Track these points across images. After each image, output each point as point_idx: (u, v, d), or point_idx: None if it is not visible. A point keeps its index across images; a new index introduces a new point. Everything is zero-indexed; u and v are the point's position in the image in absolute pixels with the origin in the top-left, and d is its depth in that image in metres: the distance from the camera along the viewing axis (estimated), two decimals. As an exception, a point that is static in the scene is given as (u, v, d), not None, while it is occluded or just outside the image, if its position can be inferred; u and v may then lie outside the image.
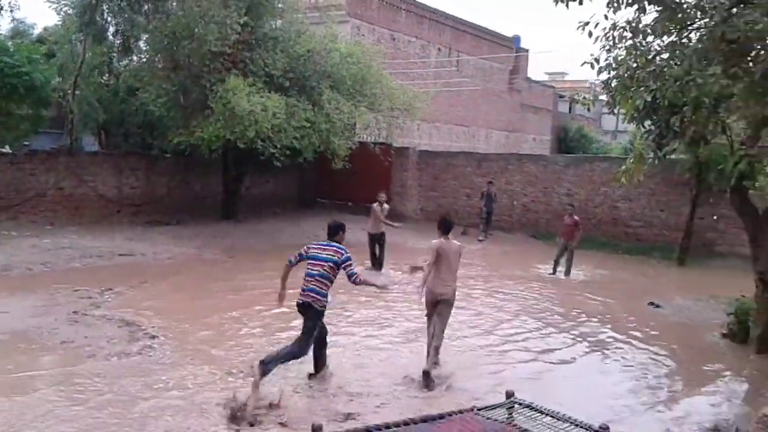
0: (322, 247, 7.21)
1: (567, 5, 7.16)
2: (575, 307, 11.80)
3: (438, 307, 7.64)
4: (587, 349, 9.33)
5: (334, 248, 7.13)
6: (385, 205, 14.25)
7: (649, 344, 9.71)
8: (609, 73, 7.79)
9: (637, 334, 10.24)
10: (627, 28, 7.32)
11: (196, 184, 20.47)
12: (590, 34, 7.21)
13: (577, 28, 7.24)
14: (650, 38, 7.37)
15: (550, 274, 14.74)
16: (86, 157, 18.51)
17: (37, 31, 21.59)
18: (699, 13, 6.92)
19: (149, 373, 7.35)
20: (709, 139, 9.59)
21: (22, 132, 17.90)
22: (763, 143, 8.12)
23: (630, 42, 7.39)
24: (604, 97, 8.51)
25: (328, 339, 7.51)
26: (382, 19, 27.38)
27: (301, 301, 7.04)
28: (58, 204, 17.39)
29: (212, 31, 15.22)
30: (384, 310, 10.91)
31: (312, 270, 7.07)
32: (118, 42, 18.48)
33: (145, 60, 18.66)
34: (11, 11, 17.13)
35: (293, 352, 6.84)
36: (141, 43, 18.51)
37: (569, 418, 3.29)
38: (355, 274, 7.10)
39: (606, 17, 7.26)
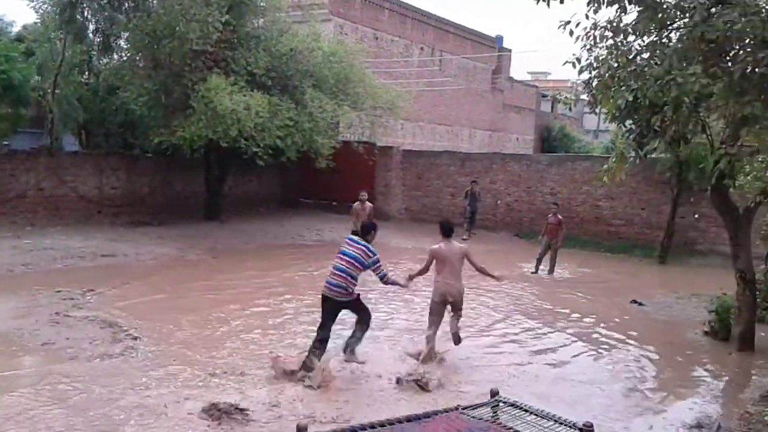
0: (351, 242, 7.49)
1: (548, 4, 7.17)
2: (558, 305, 11.87)
3: (450, 308, 8.19)
4: (570, 347, 9.37)
5: (363, 249, 7.38)
6: (368, 204, 14.24)
7: (631, 342, 9.78)
8: (590, 73, 7.82)
9: (620, 331, 10.31)
10: (608, 28, 7.36)
11: (178, 184, 20.34)
12: (571, 33, 7.24)
13: (558, 27, 7.26)
14: (631, 38, 7.40)
15: (532, 272, 14.81)
16: (67, 157, 18.32)
17: (15, 29, 21.30)
18: (679, 13, 6.97)
19: (131, 374, 7.28)
20: (690, 138, 9.68)
21: (1, 132, 17.65)
22: (743, 142, 8.19)
23: (611, 41, 7.42)
24: (585, 96, 8.54)
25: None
26: (365, 18, 27.38)
27: (325, 294, 7.38)
28: (39, 205, 17.20)
29: (194, 29, 15.12)
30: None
31: (339, 264, 7.38)
32: (99, 40, 18.29)
33: (125, 59, 18.51)
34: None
35: (367, 317, 7.58)
36: (122, 42, 18.35)
37: (554, 416, 3.30)
38: (385, 275, 7.49)
39: (587, 16, 7.30)
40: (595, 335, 10.09)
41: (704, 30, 6.28)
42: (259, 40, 17.58)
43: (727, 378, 8.53)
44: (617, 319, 11.07)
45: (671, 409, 7.19)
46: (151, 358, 7.90)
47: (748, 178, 9.51)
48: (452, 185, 22.28)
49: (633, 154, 8.90)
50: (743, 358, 9.05)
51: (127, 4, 16.87)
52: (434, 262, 8.16)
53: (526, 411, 3.42)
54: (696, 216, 17.43)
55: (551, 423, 3.27)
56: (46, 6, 17.50)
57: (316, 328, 7.58)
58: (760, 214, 10.50)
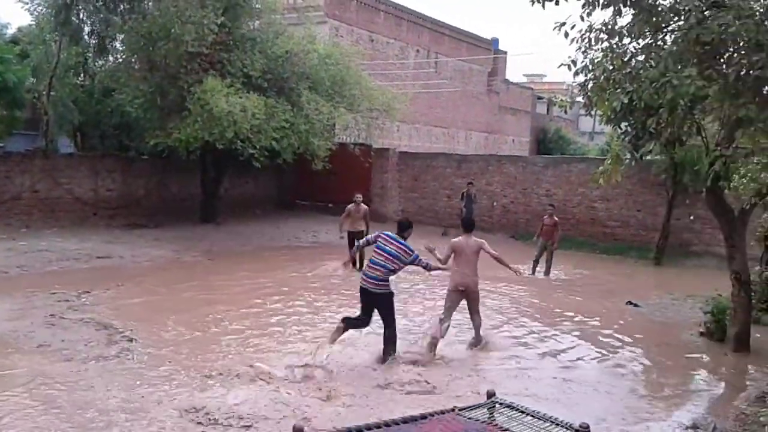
0: (390, 240, 7.92)
1: (543, 5, 7.19)
2: (554, 307, 11.87)
3: (465, 298, 8.71)
4: (565, 349, 9.38)
5: (403, 248, 7.87)
6: (363, 206, 14.21)
7: (627, 343, 9.80)
8: (585, 75, 7.84)
9: (616, 333, 10.33)
10: (603, 30, 7.38)
11: (174, 186, 20.30)
12: (566, 34, 7.26)
13: (554, 29, 7.28)
14: (626, 40, 7.43)
15: (530, 274, 14.83)
16: (62, 159, 18.28)
17: (10, 32, 21.27)
18: (674, 15, 6.99)
19: (126, 376, 7.27)
20: (685, 140, 9.70)
21: (-4, 133, 17.66)
22: (738, 144, 8.21)
23: (606, 44, 7.45)
24: (581, 99, 8.56)
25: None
26: (360, 20, 27.38)
27: (363, 286, 7.86)
28: (34, 207, 17.16)
29: (189, 31, 15.10)
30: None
31: (377, 259, 7.83)
32: (94, 42, 18.29)
33: (121, 60, 18.51)
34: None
35: (392, 336, 7.93)
36: (117, 44, 18.35)
37: (550, 417, 3.31)
38: (427, 264, 8.18)
39: (582, 19, 7.32)
40: (590, 337, 10.10)
41: (699, 33, 6.31)
42: (254, 42, 17.58)
43: (722, 379, 8.55)
44: (612, 321, 11.08)
45: (667, 409, 7.21)
46: (146, 360, 7.89)
47: (743, 179, 9.53)
48: (448, 187, 22.30)
49: (628, 156, 8.91)
50: (739, 359, 9.08)
51: (122, 6, 16.86)
52: (455, 254, 8.66)
53: (522, 412, 3.43)
54: (691, 218, 17.48)
55: (548, 424, 3.28)
56: (41, 8, 17.46)
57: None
58: (755, 215, 10.53)
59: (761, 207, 10.27)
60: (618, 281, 14.91)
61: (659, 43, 7.19)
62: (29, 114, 18.88)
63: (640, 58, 7.30)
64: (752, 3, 6.44)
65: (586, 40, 7.41)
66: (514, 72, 69.31)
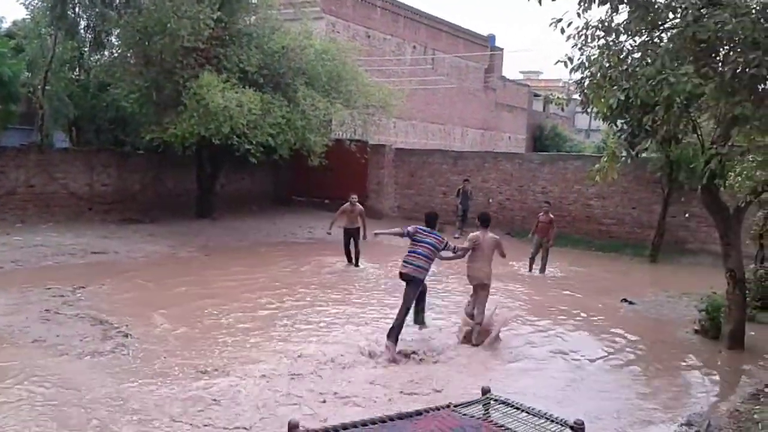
0: (426, 232, 8.83)
1: (540, 2, 7.20)
2: (549, 304, 11.90)
3: (476, 289, 9.24)
4: (559, 345, 9.38)
5: (436, 237, 8.81)
6: (358, 206, 14.19)
7: (622, 340, 9.82)
8: (582, 72, 7.84)
9: (610, 330, 10.35)
10: (599, 27, 7.39)
11: (170, 181, 20.26)
12: (562, 31, 7.26)
13: (550, 25, 7.29)
14: (623, 37, 7.44)
15: (528, 272, 14.85)
16: (57, 153, 18.22)
17: (5, 26, 21.17)
18: (670, 13, 7.00)
19: (120, 371, 7.27)
20: (681, 138, 9.71)
21: (-9, 128, 17.56)
22: (733, 142, 8.23)
23: (603, 41, 7.46)
24: (577, 96, 8.57)
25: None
26: (357, 16, 27.33)
27: (404, 272, 8.66)
28: (29, 202, 17.11)
29: (185, 26, 15.05)
30: (358, 307, 10.90)
31: (417, 249, 8.69)
32: (90, 37, 18.21)
33: (116, 55, 18.41)
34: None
35: (401, 316, 8.55)
36: (113, 38, 18.25)
37: (545, 413, 3.32)
38: (455, 247, 9.14)
39: (579, 16, 7.32)
40: (585, 334, 10.12)
41: (695, 30, 6.32)
42: (251, 37, 17.53)
43: (717, 376, 8.58)
44: (607, 318, 11.11)
45: (662, 406, 7.22)
46: (141, 356, 7.88)
47: (739, 177, 9.56)
48: (444, 184, 22.31)
49: (624, 153, 8.93)
50: (733, 357, 9.11)
51: (118, 1, 16.78)
52: (474, 248, 9.21)
53: (517, 408, 3.44)
54: (686, 215, 17.52)
55: (542, 420, 3.29)
56: (36, 2, 17.39)
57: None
58: (750, 213, 10.56)
59: (756, 205, 10.31)
60: (613, 279, 14.95)
61: (655, 40, 7.20)
62: (24, 108, 18.78)
63: (637, 55, 7.31)
64: (748, 1, 6.45)
65: (583, 37, 7.42)
66: (511, 69, 69.42)
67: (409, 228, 8.93)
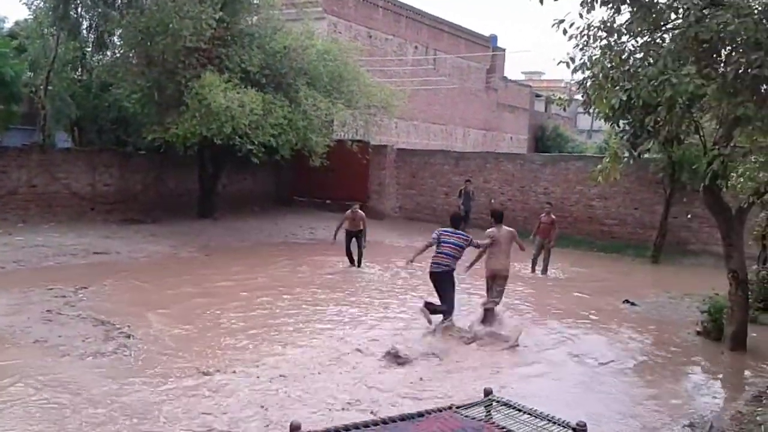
0: (449, 233, 9.56)
1: (541, 2, 7.19)
2: (552, 305, 11.89)
3: (496, 279, 9.95)
4: (561, 346, 9.38)
5: (461, 236, 9.56)
6: (359, 212, 14.19)
7: (624, 341, 9.82)
8: (584, 73, 7.83)
9: (612, 331, 10.35)
10: (601, 28, 7.38)
11: (172, 181, 20.27)
12: (565, 32, 7.25)
13: (552, 26, 7.28)
14: (625, 38, 7.42)
15: (530, 273, 14.84)
16: (59, 153, 18.24)
17: (8, 26, 21.20)
18: (672, 13, 6.99)
19: (122, 372, 7.27)
20: (683, 138, 9.71)
21: (-7, 128, 17.58)
22: (736, 143, 8.22)
23: (604, 42, 7.44)
24: (579, 96, 8.56)
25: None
26: (359, 16, 27.34)
27: (434, 271, 9.45)
28: (31, 201, 17.12)
29: (187, 26, 15.06)
30: (359, 307, 10.90)
31: (443, 249, 9.44)
32: (92, 37, 18.23)
33: (119, 55, 18.42)
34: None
35: (446, 310, 9.40)
36: (115, 39, 18.27)
37: (547, 415, 3.31)
38: (479, 244, 9.82)
39: (581, 16, 7.31)
40: (587, 335, 10.11)
41: (698, 31, 6.31)
42: (252, 37, 17.54)
43: (719, 378, 8.57)
44: (609, 319, 11.10)
45: (663, 408, 7.20)
46: (143, 357, 7.88)
47: (741, 178, 9.54)
48: (446, 184, 22.30)
49: (627, 154, 8.91)
50: (735, 358, 9.09)
51: (120, 1, 16.82)
52: (492, 243, 9.89)
53: (519, 410, 3.43)
54: (689, 216, 17.49)
55: (545, 422, 3.28)
56: (39, 2, 17.41)
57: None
58: (753, 214, 10.55)
59: (759, 206, 10.29)
60: (615, 279, 14.93)
61: (658, 41, 7.19)
62: (26, 108, 18.81)
63: (639, 56, 7.30)
64: (751, 1, 6.44)
65: (585, 37, 7.40)
66: (513, 69, 69.20)
67: (434, 235, 9.60)
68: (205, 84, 15.15)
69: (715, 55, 6.84)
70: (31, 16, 18.28)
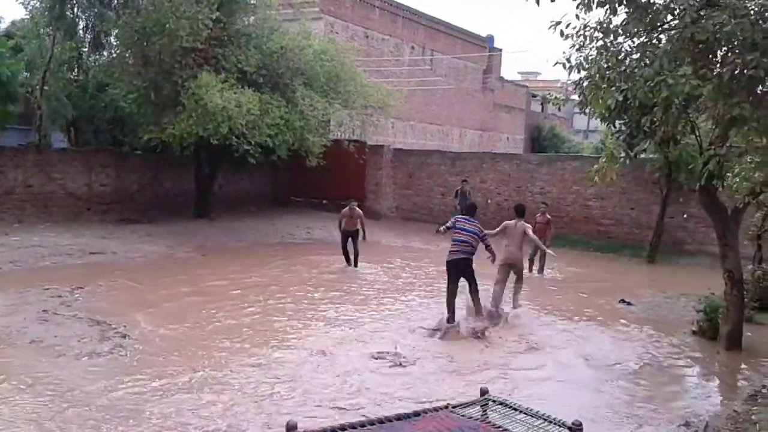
0: (467, 221, 9.82)
1: (538, 2, 7.20)
2: (548, 304, 11.89)
3: (512, 269, 10.63)
4: (557, 346, 9.38)
5: (478, 226, 9.81)
6: (357, 210, 14.19)
7: (620, 341, 9.83)
8: (580, 73, 7.85)
9: (608, 331, 10.36)
10: (598, 29, 7.39)
11: (168, 181, 20.24)
12: (561, 33, 7.27)
13: (549, 28, 7.30)
14: (621, 39, 7.44)
15: (528, 272, 14.82)
16: (55, 153, 18.20)
17: (4, 26, 21.16)
18: (669, 14, 7.01)
19: (118, 372, 7.26)
20: (679, 139, 9.72)
21: (-11, 128, 17.54)
22: (732, 143, 8.23)
23: (601, 42, 7.46)
24: (575, 96, 8.57)
25: None
26: (355, 16, 27.35)
27: (452, 259, 9.66)
28: (27, 202, 17.08)
29: (183, 26, 15.05)
30: (356, 307, 10.90)
31: (461, 237, 9.63)
32: (88, 37, 18.20)
33: (115, 55, 18.40)
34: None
35: (476, 294, 9.78)
36: (111, 39, 18.24)
37: (543, 414, 3.32)
38: (489, 242, 9.94)
39: (577, 17, 7.32)
40: (582, 335, 10.11)
41: (694, 31, 6.32)
42: (249, 37, 17.53)
43: (715, 377, 8.60)
44: (605, 319, 11.11)
45: (659, 407, 7.22)
46: (139, 357, 7.88)
47: (737, 178, 9.55)
48: (443, 184, 22.31)
49: (623, 154, 8.93)
50: (731, 357, 9.11)
51: (116, 1, 16.80)
52: (504, 233, 10.59)
53: (515, 410, 3.43)
54: (685, 216, 17.51)
55: (541, 421, 3.29)
56: (35, 2, 17.38)
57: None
58: (748, 214, 10.58)
59: (754, 206, 10.32)
60: (611, 279, 14.95)
61: (654, 41, 7.20)
62: (22, 108, 18.78)
63: (635, 56, 7.31)
64: (747, 2, 6.45)
65: (581, 38, 7.42)
66: (509, 70, 69.52)
67: (451, 220, 9.98)
68: (201, 84, 15.14)
69: (711, 56, 6.86)
70: (28, 16, 18.25)
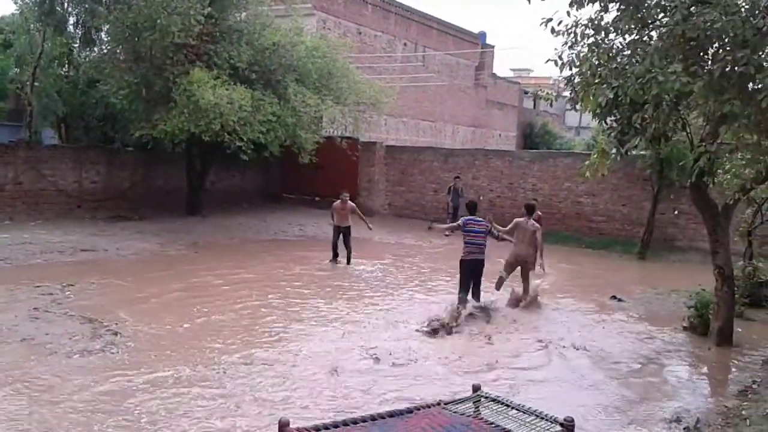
0: (475, 221, 10.23)
1: (529, 0, 7.21)
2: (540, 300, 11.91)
3: (521, 266, 10.98)
4: (548, 342, 9.40)
5: (485, 223, 10.28)
6: (349, 203, 14.18)
7: (610, 337, 9.85)
8: (571, 70, 7.87)
9: (598, 327, 10.39)
10: (589, 26, 7.41)
11: (159, 178, 20.18)
12: (553, 30, 7.29)
13: (540, 25, 7.32)
14: (612, 36, 7.47)
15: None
16: (46, 150, 18.12)
17: (-7, 21, 21.03)
18: (660, 11, 7.04)
19: (109, 370, 7.23)
20: (670, 135, 9.76)
21: (-21, 125, 17.45)
22: (722, 140, 8.27)
23: (592, 39, 7.48)
24: (567, 93, 8.60)
25: None
26: (348, 12, 27.29)
27: (472, 259, 10.12)
28: (17, 199, 17.00)
29: (175, 22, 14.98)
30: (344, 302, 10.91)
31: (476, 239, 10.10)
32: (79, 33, 18.11)
33: (106, 51, 18.30)
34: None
35: (478, 289, 10.31)
36: (102, 34, 18.16)
37: (535, 411, 3.33)
38: (498, 233, 10.56)
39: (569, 14, 7.34)
40: (573, 331, 10.13)
41: (685, 29, 6.35)
42: (241, 33, 17.46)
43: (705, 373, 8.63)
44: (596, 315, 11.15)
45: (650, 403, 7.25)
46: (131, 354, 7.85)
47: (727, 175, 9.62)
48: (435, 181, 22.33)
49: (614, 151, 8.96)
50: (722, 353, 9.15)
51: (107, -4, 16.71)
52: (516, 230, 10.88)
53: (507, 406, 3.44)
54: (676, 212, 17.59)
55: (533, 418, 3.29)
56: (25, -3, 17.29)
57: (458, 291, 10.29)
58: (739, 210, 10.63)
59: (745, 202, 10.38)
60: (602, 276, 14.99)
61: (645, 38, 7.23)
62: (12, 105, 18.69)
63: (626, 53, 7.35)
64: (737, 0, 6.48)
65: (573, 35, 7.44)
66: (502, 66, 69.60)
67: (460, 221, 10.43)
68: (193, 80, 15.08)
69: (702, 53, 6.89)
70: (17, 12, 18.14)
